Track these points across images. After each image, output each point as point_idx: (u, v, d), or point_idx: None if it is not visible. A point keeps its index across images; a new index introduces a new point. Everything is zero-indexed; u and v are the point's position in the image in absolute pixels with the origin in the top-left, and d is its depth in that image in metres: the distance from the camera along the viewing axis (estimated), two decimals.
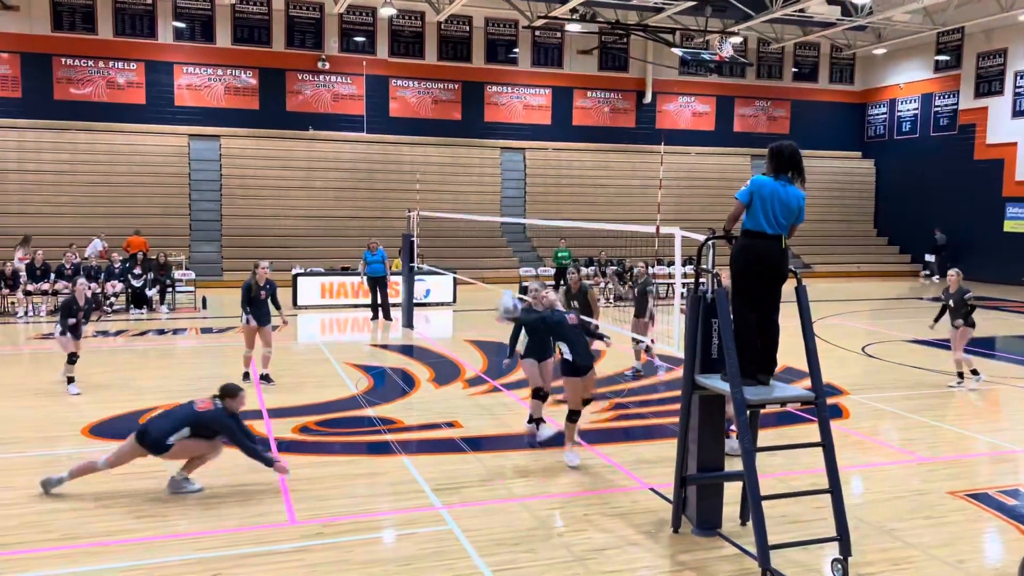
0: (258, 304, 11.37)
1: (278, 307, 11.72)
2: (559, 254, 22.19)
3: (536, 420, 8.83)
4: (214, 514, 6.62)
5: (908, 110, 33.70)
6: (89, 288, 11.33)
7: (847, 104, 35.36)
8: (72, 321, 10.81)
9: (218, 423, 7.07)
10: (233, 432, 7.08)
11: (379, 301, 18.09)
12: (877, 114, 35.13)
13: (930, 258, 31.16)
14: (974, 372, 11.68)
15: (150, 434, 7.01)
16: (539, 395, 8.80)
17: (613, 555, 5.92)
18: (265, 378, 11.41)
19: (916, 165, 32.96)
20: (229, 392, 7.20)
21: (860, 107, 35.54)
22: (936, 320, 11.80)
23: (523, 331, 8.77)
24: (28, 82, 26.31)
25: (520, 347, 8.85)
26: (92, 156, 26.84)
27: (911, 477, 7.82)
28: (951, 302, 11.51)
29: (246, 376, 11.53)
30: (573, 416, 8.00)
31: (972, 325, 11.42)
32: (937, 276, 30.47)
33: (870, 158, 35.51)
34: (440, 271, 19.07)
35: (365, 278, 18.08)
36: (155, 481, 7.36)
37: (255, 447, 7.14)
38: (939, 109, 32.36)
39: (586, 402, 8.32)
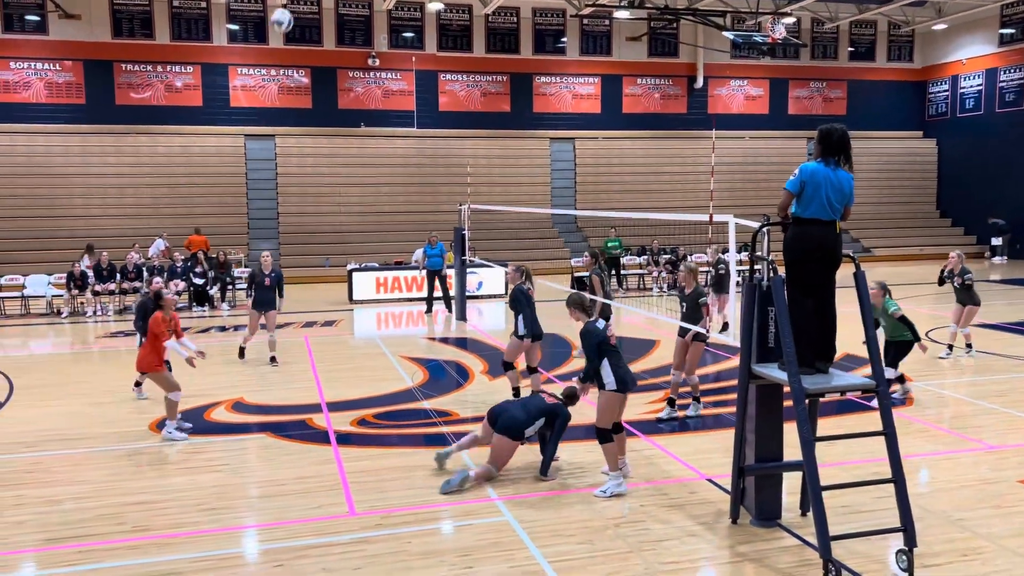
0: (263, 290, 12.50)
1: (281, 296, 12.73)
2: (609, 243, 22.05)
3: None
4: (277, 506, 6.76)
5: (971, 86, 32.61)
6: (165, 288, 11.69)
7: (906, 82, 34.37)
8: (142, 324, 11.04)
9: (561, 415, 7.40)
10: (565, 425, 7.44)
11: (436, 294, 18.32)
12: (938, 92, 34.08)
13: (997, 241, 30.18)
14: (968, 346, 12.50)
15: (502, 421, 7.39)
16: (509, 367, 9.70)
17: (671, 546, 5.88)
18: (272, 360, 12.50)
19: (981, 143, 31.90)
20: (571, 396, 7.64)
21: (920, 85, 34.52)
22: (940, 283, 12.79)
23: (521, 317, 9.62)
24: (91, 88, 27.12)
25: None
26: (152, 158, 27.56)
27: (979, 465, 7.60)
28: (954, 283, 12.45)
29: (242, 352, 12.94)
30: (602, 436, 6.88)
31: (977, 303, 12.31)
32: (1004, 257, 29.50)
33: (932, 137, 34.49)
34: (492, 264, 19.12)
35: (425, 271, 18.32)
36: (220, 475, 7.56)
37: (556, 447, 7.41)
38: (1004, 84, 31.24)
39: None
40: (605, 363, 6.86)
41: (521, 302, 9.74)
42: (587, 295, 8.65)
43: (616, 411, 6.93)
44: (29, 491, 7.20)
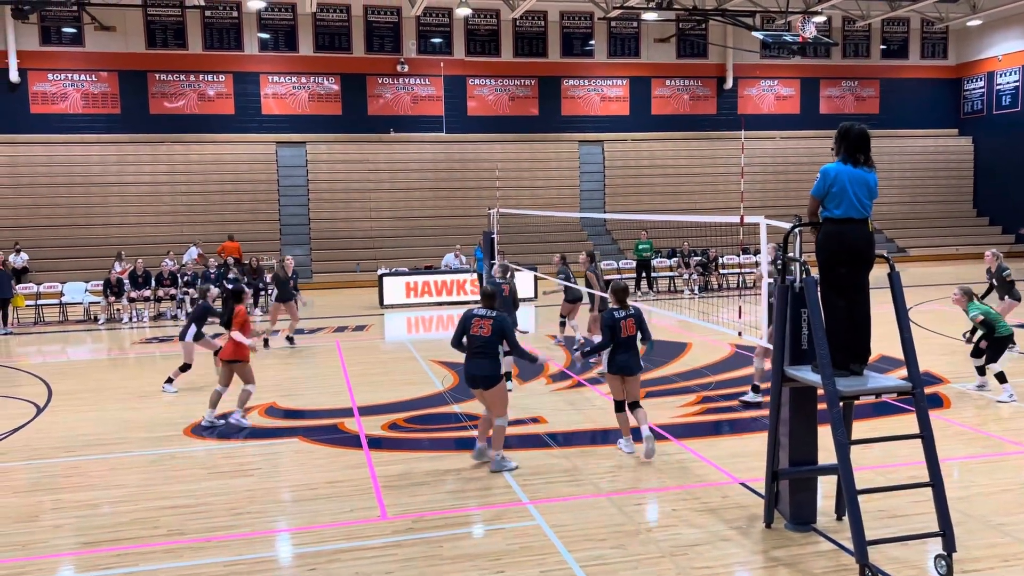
0: (286, 287, 14.81)
1: (296, 290, 15.22)
2: (640, 246, 21.91)
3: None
4: (309, 510, 6.81)
5: (1008, 83, 32.02)
6: (212, 294, 12.47)
7: (941, 80, 33.85)
8: (198, 327, 11.65)
9: (503, 323, 7.58)
10: (512, 330, 7.77)
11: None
12: (974, 89, 33.50)
13: None
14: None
15: (472, 380, 7.64)
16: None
17: (704, 551, 5.83)
18: (290, 340, 14.69)
19: (1018, 140, 31.30)
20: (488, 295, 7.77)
21: (955, 82, 33.97)
22: (983, 297, 11.91)
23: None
24: (126, 98, 27.59)
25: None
26: (186, 166, 27.95)
27: (1020, 469, 7.44)
28: (994, 280, 12.56)
29: (266, 343, 14.58)
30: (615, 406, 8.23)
31: (1017, 298, 12.42)
32: None
33: (967, 135, 33.91)
34: (521, 267, 19.12)
35: (477, 275, 18.45)
36: (253, 479, 7.62)
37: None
38: None
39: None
40: (608, 349, 8.02)
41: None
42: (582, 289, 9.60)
43: (616, 389, 8.13)
44: (67, 495, 7.31)
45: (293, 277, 15.08)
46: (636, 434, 8.27)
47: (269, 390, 11.30)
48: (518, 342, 7.73)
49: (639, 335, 8.05)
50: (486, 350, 7.53)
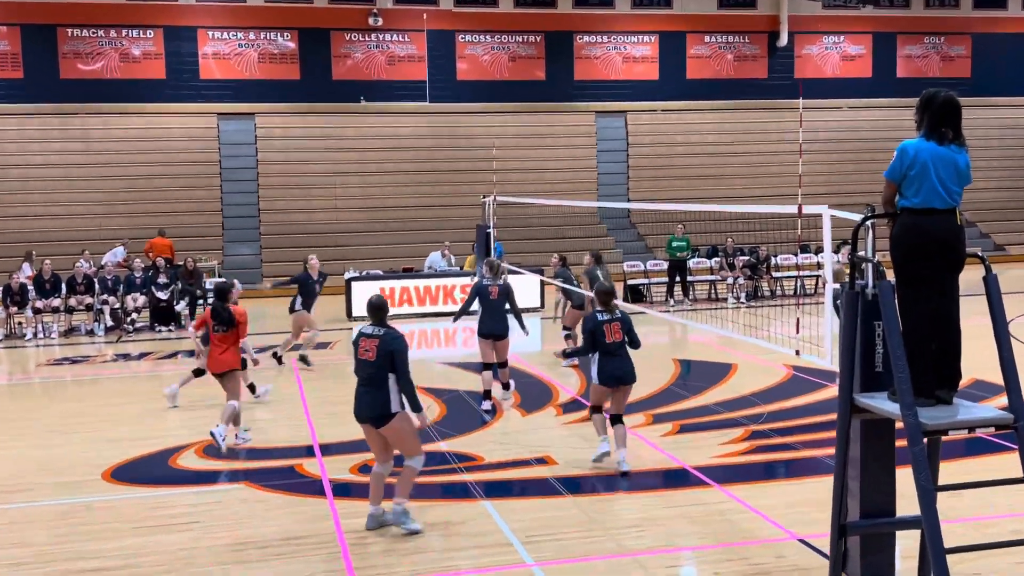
0: (312, 293, 14.84)
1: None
2: (674, 243, 21.86)
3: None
4: (259, 574, 6.79)
5: None
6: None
7: None
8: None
9: (393, 347, 7.43)
10: (402, 357, 7.49)
11: None
12: None
13: None
14: None
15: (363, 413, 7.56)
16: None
17: None
18: (304, 360, 14.70)
19: None
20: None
21: None
22: None
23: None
24: (30, 59, 27.67)
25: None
26: (105, 143, 28.04)
27: None
28: None
29: (279, 359, 14.87)
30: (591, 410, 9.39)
31: None
32: None
33: None
34: (523, 270, 19.13)
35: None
36: (190, 535, 7.61)
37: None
38: None
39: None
40: (596, 357, 8.89)
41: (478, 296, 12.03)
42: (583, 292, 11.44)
43: (600, 398, 9.15)
44: None
45: (320, 280, 15.08)
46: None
47: (209, 423, 11.28)
48: (409, 374, 7.38)
49: (627, 340, 8.93)
50: (373, 380, 7.34)
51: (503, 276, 12.34)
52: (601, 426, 9.12)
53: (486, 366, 11.81)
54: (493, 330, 11.71)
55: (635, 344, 8.99)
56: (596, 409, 9.19)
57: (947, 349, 5.81)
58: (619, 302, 9.65)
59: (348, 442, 10.30)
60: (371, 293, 21.43)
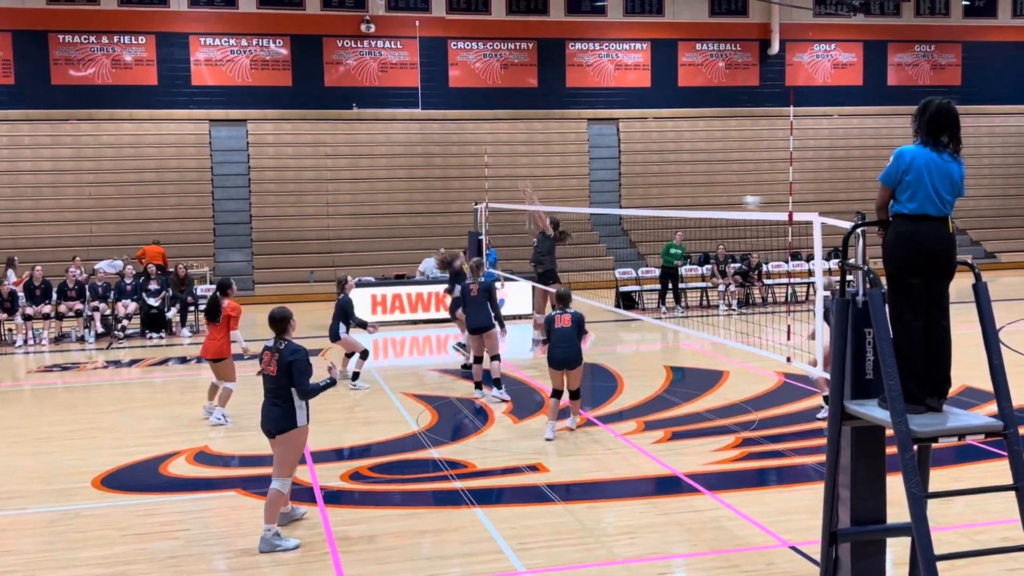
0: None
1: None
2: (671, 250, 21.84)
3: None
4: None
5: None
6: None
7: None
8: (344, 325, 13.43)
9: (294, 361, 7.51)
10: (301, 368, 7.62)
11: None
12: None
13: None
14: None
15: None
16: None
17: None
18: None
19: None
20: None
21: None
22: None
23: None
24: (21, 65, 27.58)
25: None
26: (96, 150, 27.95)
27: None
28: None
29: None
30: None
31: None
32: None
33: None
34: (516, 276, 19.13)
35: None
36: (179, 543, 7.59)
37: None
38: None
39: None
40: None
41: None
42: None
43: (556, 380, 10.54)
44: None
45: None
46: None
47: (200, 430, 11.26)
48: (308, 386, 7.50)
49: (577, 330, 10.43)
50: (276, 394, 7.48)
51: (483, 275, 13.12)
52: (555, 411, 10.53)
53: (476, 359, 12.80)
54: (475, 323, 12.64)
55: (582, 333, 10.60)
56: (556, 394, 10.55)
57: (937, 357, 5.82)
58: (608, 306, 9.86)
59: (339, 449, 10.31)
60: (363, 298, 21.37)
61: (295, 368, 7.42)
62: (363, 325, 13.54)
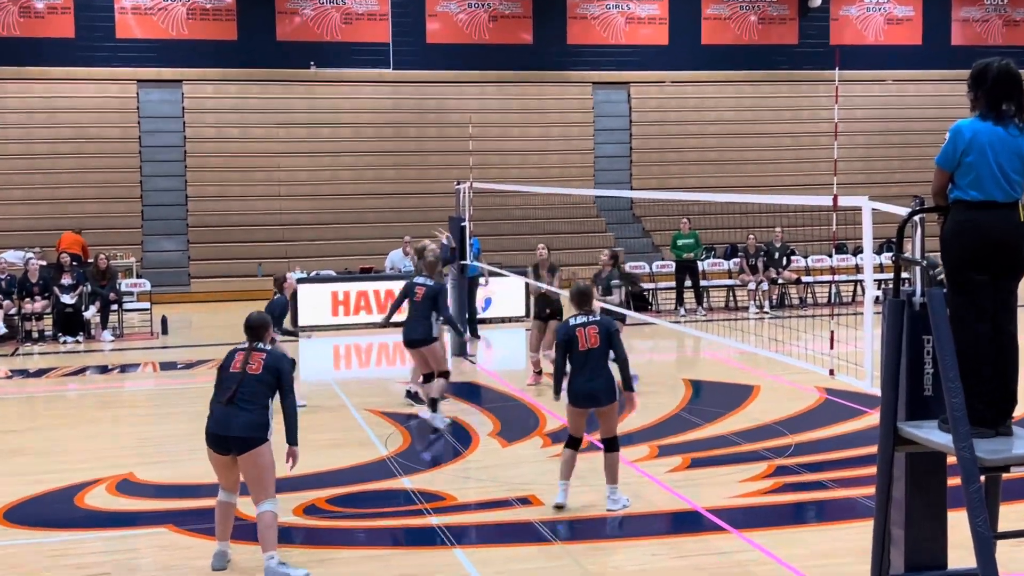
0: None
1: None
2: (680, 241, 21.90)
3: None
4: None
5: None
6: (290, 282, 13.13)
7: None
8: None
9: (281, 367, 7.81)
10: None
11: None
12: None
13: None
14: None
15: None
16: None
17: None
18: (413, 397, 13.30)
19: None
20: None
21: None
22: None
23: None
24: None
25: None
26: (0, 115, 27.77)
27: None
28: None
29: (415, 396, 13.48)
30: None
31: None
32: None
33: None
34: (505, 271, 19.12)
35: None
36: None
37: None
38: None
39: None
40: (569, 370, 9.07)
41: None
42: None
43: (570, 422, 9.21)
44: None
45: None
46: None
47: (124, 454, 11.22)
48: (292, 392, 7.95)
49: (609, 351, 9.02)
50: (250, 398, 7.64)
51: (444, 277, 12.99)
52: (568, 469, 9.07)
53: (426, 377, 12.40)
54: (409, 335, 12.25)
55: (619, 357, 9.09)
56: (573, 442, 9.14)
57: (1004, 370, 5.83)
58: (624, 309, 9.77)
59: (292, 477, 10.24)
60: (321, 297, 21.35)
61: (284, 366, 7.80)
62: (293, 335, 13.10)
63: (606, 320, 9.29)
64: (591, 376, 8.88)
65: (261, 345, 7.85)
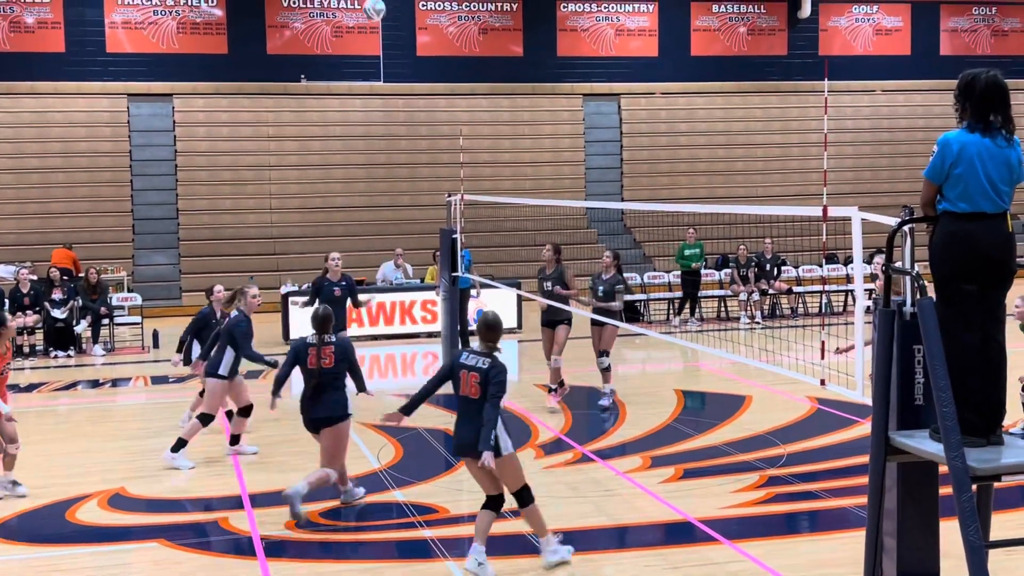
0: (336, 303, 13.97)
1: (358, 304, 15.99)
2: (687, 251, 21.87)
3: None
4: None
5: None
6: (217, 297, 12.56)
7: None
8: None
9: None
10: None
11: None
12: None
13: None
14: None
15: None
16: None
17: None
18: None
19: None
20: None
21: None
22: None
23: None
24: None
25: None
26: None
27: None
28: None
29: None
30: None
31: None
32: None
33: None
34: (497, 283, 19.12)
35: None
36: None
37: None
38: None
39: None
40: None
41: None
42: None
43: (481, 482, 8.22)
44: None
45: (342, 284, 14.87)
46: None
47: (115, 469, 11.19)
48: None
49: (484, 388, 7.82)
50: (332, 383, 9.43)
51: (240, 309, 11.59)
52: (482, 531, 7.93)
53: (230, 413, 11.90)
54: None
55: (485, 416, 7.77)
56: (490, 502, 8.09)
57: (992, 379, 5.84)
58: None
59: (281, 492, 10.23)
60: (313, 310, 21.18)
61: (351, 354, 9.51)
62: (264, 362, 11.66)
63: (495, 369, 7.82)
64: (464, 424, 7.93)
65: (324, 339, 9.34)
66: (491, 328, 8.07)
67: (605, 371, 13.65)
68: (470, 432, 7.80)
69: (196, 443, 11.69)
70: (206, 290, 12.96)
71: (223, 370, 11.22)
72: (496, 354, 7.95)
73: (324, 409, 9.29)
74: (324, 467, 9.34)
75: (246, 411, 11.68)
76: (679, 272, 22.28)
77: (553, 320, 13.56)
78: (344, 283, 14.93)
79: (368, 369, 18.06)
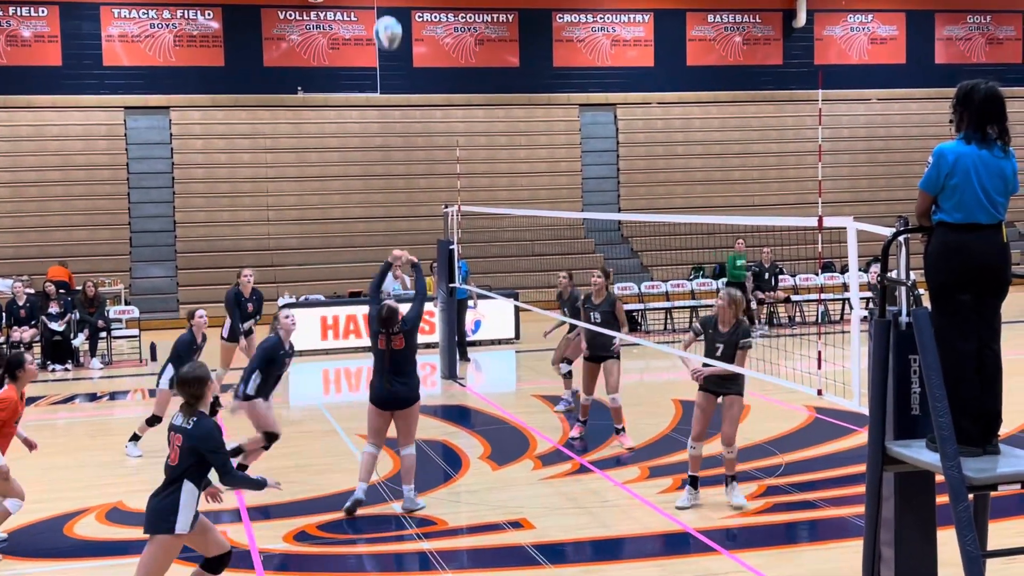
0: (248, 317, 15.39)
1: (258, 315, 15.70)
2: (738, 261, 21.60)
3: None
4: None
5: None
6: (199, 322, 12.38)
7: None
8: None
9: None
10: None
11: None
12: None
13: None
14: None
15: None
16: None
17: None
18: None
19: None
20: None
21: None
22: None
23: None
24: None
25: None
26: None
27: None
28: None
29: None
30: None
31: None
32: None
33: None
34: (494, 294, 19.13)
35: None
36: None
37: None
38: None
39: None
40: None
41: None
42: None
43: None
44: None
45: (253, 299, 15.79)
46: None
47: (114, 482, 11.17)
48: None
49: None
50: (406, 368, 9.93)
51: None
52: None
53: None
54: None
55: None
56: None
57: (988, 388, 5.85)
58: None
59: (283, 503, 10.22)
60: (310, 321, 21.18)
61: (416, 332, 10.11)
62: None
63: (203, 430, 6.91)
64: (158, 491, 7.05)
65: (397, 328, 9.73)
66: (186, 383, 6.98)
67: (565, 376, 13.93)
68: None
69: None
70: (187, 315, 12.54)
71: (251, 389, 10.48)
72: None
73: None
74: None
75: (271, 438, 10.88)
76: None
77: (600, 356, 12.09)
78: (255, 297, 15.90)
79: (366, 380, 18.00)
